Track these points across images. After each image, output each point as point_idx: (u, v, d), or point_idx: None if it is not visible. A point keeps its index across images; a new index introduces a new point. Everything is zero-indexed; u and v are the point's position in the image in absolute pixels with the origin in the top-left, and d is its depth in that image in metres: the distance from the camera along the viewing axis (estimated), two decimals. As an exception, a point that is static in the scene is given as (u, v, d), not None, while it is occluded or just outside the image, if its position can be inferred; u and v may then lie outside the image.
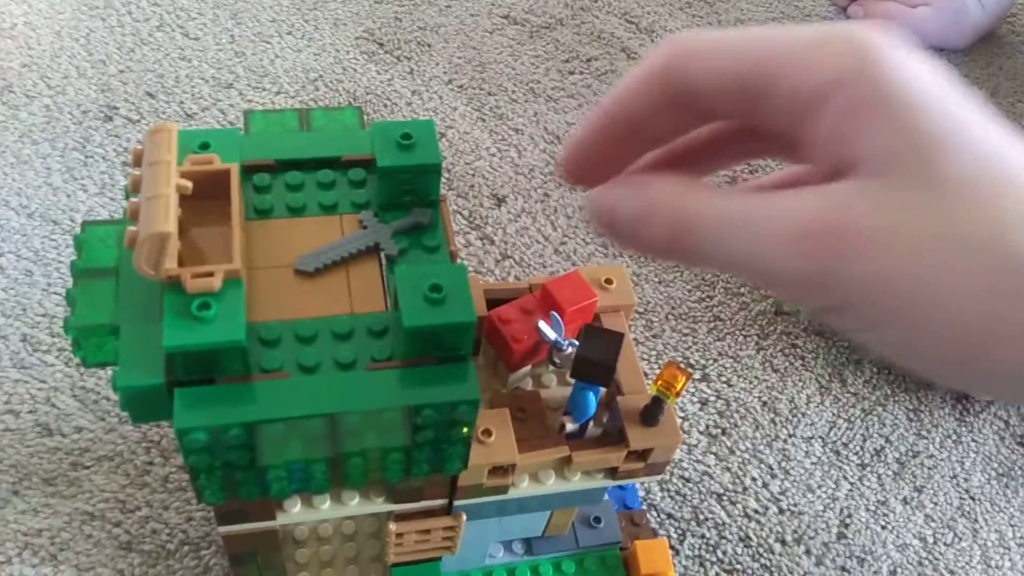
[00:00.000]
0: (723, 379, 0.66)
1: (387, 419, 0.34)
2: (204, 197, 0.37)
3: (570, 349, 0.46)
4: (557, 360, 0.48)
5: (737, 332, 0.69)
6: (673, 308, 0.70)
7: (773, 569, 0.58)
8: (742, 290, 0.72)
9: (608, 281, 0.50)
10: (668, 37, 0.29)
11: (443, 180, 0.74)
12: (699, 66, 0.29)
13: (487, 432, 0.43)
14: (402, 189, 0.40)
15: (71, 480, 0.56)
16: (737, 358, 0.68)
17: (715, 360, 0.67)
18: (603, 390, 0.46)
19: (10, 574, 0.52)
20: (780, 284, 0.28)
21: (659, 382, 0.43)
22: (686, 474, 0.61)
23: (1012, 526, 0.62)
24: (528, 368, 0.49)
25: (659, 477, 0.48)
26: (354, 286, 0.38)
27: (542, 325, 0.46)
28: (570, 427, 0.46)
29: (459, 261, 0.40)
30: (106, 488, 0.56)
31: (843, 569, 0.58)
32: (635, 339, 0.67)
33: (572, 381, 0.45)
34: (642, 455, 0.46)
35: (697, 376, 0.66)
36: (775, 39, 0.28)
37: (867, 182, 0.26)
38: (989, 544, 0.61)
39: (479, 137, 0.79)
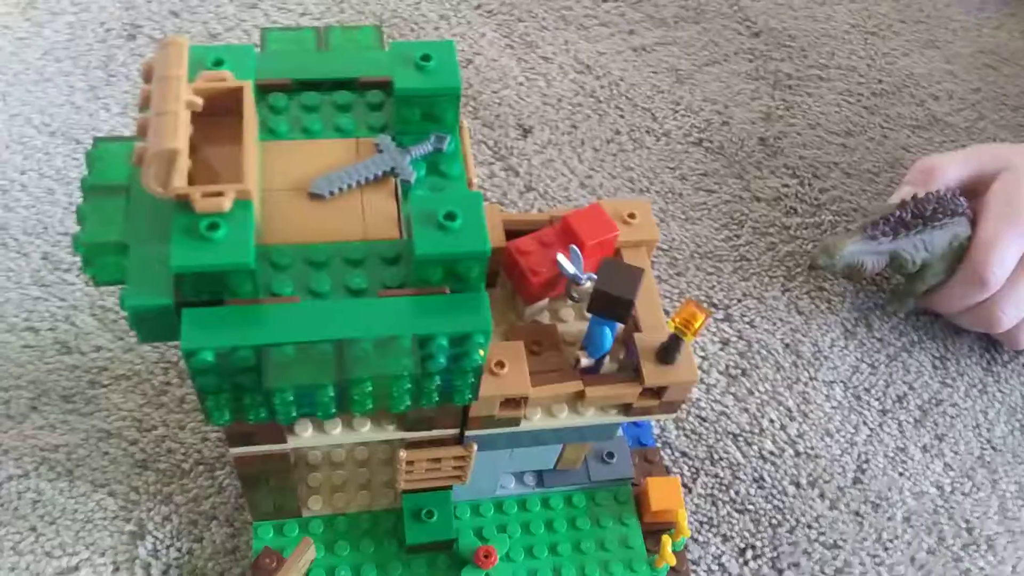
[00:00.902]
0: (746, 320, 0.65)
1: (396, 347, 0.33)
2: (217, 115, 0.36)
3: (588, 283, 0.45)
4: (575, 294, 0.48)
5: (763, 273, 0.68)
6: (699, 246, 0.68)
7: (785, 511, 0.57)
8: (770, 230, 0.70)
9: (631, 216, 0.49)
10: None
11: (469, 109, 0.73)
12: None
13: (500, 364, 0.42)
14: (420, 113, 0.39)
15: (89, 398, 0.56)
16: (762, 299, 0.66)
17: (739, 300, 0.66)
18: (620, 326, 0.45)
19: (27, 487, 0.53)
20: None
21: (677, 319, 0.42)
22: (703, 414, 0.60)
23: (1033, 478, 0.61)
24: (546, 301, 0.48)
25: (674, 415, 0.47)
26: (368, 211, 0.37)
27: (561, 258, 0.45)
28: (585, 362, 0.46)
29: (476, 189, 0.39)
30: (123, 407, 0.56)
31: (856, 514, 0.58)
32: (658, 276, 0.66)
33: (589, 316, 0.45)
34: (657, 392, 0.45)
35: (719, 316, 0.65)
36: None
37: None
38: (1008, 495, 0.60)
39: (507, 65, 0.77)
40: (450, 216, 0.34)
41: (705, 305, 0.65)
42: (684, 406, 0.60)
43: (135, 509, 0.53)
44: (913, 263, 0.60)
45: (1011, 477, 0.61)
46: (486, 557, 0.49)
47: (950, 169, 0.63)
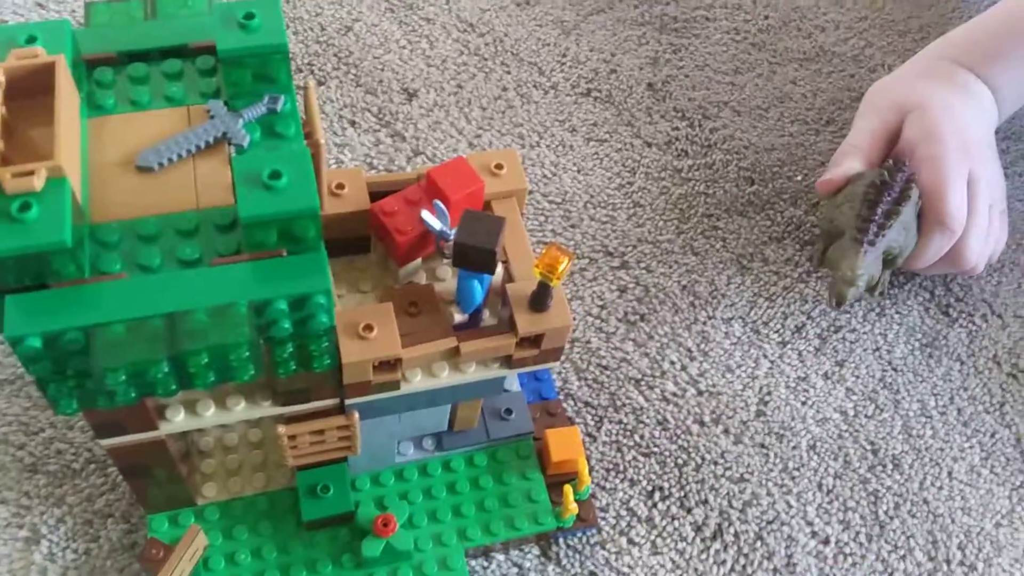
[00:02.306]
0: (642, 265, 0.65)
1: (231, 315, 0.32)
2: (36, 95, 0.35)
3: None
4: (446, 251, 0.47)
5: (657, 217, 0.68)
6: (592, 197, 0.68)
7: (691, 450, 0.57)
8: (663, 175, 0.70)
9: (498, 166, 0.48)
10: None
11: (351, 76, 0.71)
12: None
13: (369, 327, 0.41)
14: (251, 74, 0.38)
15: (-30, 406, 0.54)
16: (657, 243, 0.66)
17: (634, 247, 0.66)
18: (491, 278, 0.45)
19: (-101, 502, 0.51)
20: None
21: (541, 265, 0.42)
22: (604, 362, 0.60)
23: (935, 395, 0.62)
24: (419, 262, 0.48)
25: (556, 363, 0.47)
26: (201, 180, 0.36)
27: (425, 215, 0.44)
28: (459, 317, 0.45)
29: (324, 149, 0.38)
30: (8, 411, 0.55)
31: (761, 446, 0.58)
32: (552, 230, 0.66)
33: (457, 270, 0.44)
34: (534, 341, 0.45)
35: (616, 264, 0.65)
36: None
37: None
38: (911, 414, 0.61)
39: (388, 29, 0.75)
40: (275, 175, 0.33)
41: (601, 253, 0.65)
42: (583, 354, 0.60)
43: (27, 514, 0.51)
44: (900, 248, 0.60)
45: (913, 396, 0.62)
46: (385, 525, 0.48)
47: (861, 142, 0.64)
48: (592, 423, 0.58)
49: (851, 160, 0.63)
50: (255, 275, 0.33)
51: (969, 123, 0.63)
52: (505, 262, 0.46)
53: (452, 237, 0.44)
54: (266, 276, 0.33)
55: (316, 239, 0.34)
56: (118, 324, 0.32)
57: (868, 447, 0.59)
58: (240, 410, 0.42)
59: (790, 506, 0.56)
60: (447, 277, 0.48)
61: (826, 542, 0.55)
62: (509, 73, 0.74)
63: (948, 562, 0.55)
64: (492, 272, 0.43)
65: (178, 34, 0.39)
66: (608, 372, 0.60)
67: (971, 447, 0.60)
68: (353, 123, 0.69)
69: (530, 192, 0.67)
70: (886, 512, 0.57)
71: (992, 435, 0.61)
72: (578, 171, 0.69)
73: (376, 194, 0.46)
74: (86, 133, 0.37)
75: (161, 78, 0.39)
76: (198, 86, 0.39)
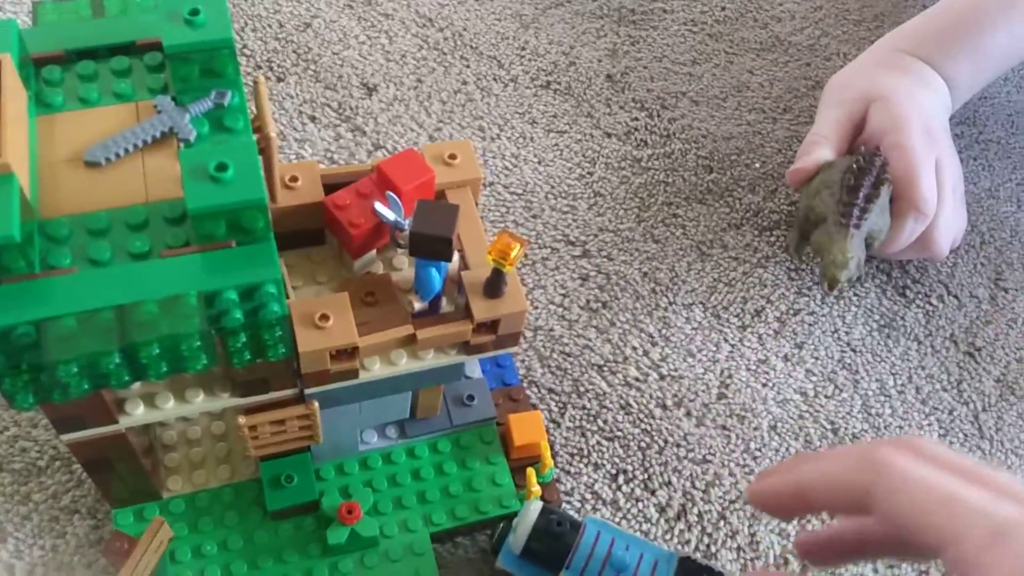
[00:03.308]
0: (604, 253, 0.66)
1: (181, 306, 0.33)
2: (-16, 94, 0.35)
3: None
4: (401, 241, 0.47)
5: (617, 206, 0.68)
6: (553, 187, 0.69)
7: (653, 433, 0.58)
8: (623, 165, 0.71)
9: (452, 156, 0.49)
10: (877, 461, 0.33)
11: (310, 72, 0.72)
12: (897, 503, 0.32)
13: (325, 317, 0.42)
14: (198, 69, 0.38)
15: (-67, 408, 0.55)
16: (617, 232, 0.67)
17: (595, 235, 0.67)
18: (449, 266, 0.46)
19: None
20: None
21: (494, 252, 0.42)
22: (567, 349, 0.61)
23: (893, 375, 0.63)
24: (374, 253, 0.48)
25: (515, 348, 0.48)
26: (149, 174, 0.37)
27: (379, 206, 0.45)
28: (418, 306, 0.46)
29: (276, 142, 0.39)
30: (-28, 413, 0.55)
31: (723, 428, 0.59)
32: (514, 221, 0.67)
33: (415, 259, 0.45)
34: (491, 327, 0.45)
35: (577, 252, 0.66)
36: (970, 499, 0.31)
37: None
38: (870, 393, 0.62)
39: (347, 25, 0.76)
40: (222, 167, 0.33)
41: (563, 243, 0.66)
42: (546, 342, 0.61)
43: (-8, 514, 0.52)
44: (879, 232, 0.61)
45: (872, 376, 0.63)
46: (349, 513, 0.49)
47: (829, 132, 0.64)
48: (556, 409, 0.59)
49: (820, 149, 0.64)
50: (204, 266, 0.34)
51: (931, 111, 0.64)
52: (461, 250, 0.47)
53: (406, 227, 0.45)
54: (215, 267, 0.34)
55: (264, 230, 0.35)
56: (69, 317, 0.32)
57: (828, 426, 0.61)
58: (199, 402, 0.43)
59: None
60: (404, 267, 0.49)
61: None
62: (468, 67, 0.75)
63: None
64: (448, 259, 0.44)
65: (125, 31, 0.39)
66: (571, 359, 0.61)
67: (929, 424, 0.62)
68: (313, 118, 0.69)
69: (491, 184, 0.68)
70: (845, 489, 0.58)
71: (950, 412, 0.62)
72: (539, 162, 0.70)
73: (331, 187, 0.47)
74: (35, 130, 0.37)
75: (110, 75, 0.39)
76: (146, 82, 0.39)
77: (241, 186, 0.33)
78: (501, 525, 0.50)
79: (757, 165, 0.72)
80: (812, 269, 0.67)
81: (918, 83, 0.66)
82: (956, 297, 0.67)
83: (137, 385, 0.42)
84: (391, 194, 0.45)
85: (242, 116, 0.38)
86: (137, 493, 0.49)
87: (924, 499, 0.31)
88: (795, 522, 0.56)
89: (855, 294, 0.67)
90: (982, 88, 0.72)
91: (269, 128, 0.40)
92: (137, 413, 0.42)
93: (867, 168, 0.60)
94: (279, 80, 0.71)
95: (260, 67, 0.72)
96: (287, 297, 0.40)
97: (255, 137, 0.39)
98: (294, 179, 0.46)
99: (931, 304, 0.67)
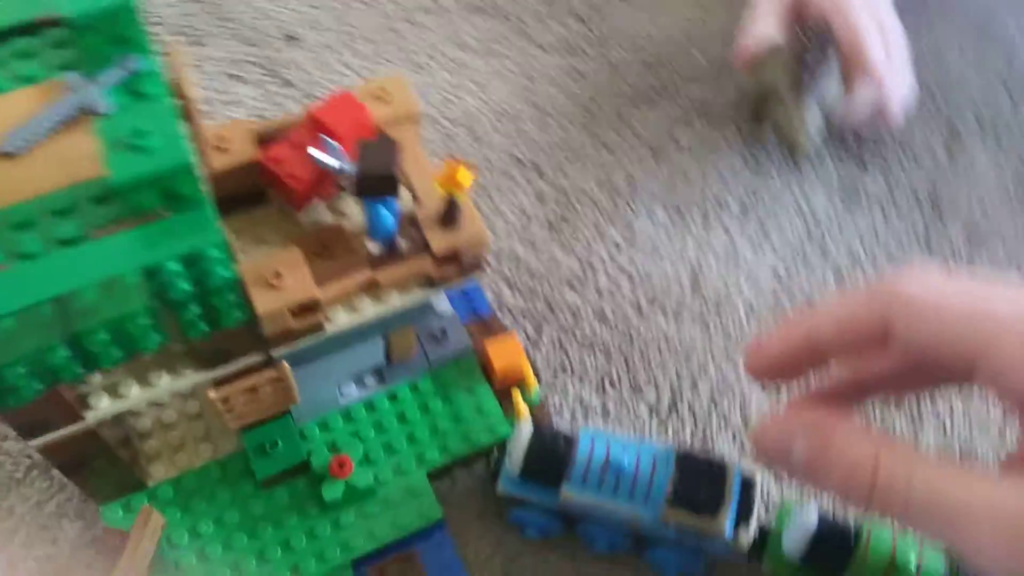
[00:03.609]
0: (557, 169, 0.65)
1: (122, 286, 0.31)
2: None
3: (353, 171, 0.43)
4: (344, 184, 0.46)
5: (564, 120, 0.67)
6: (496, 111, 0.67)
7: (633, 336, 0.58)
8: (564, 78, 0.69)
9: (385, 93, 0.47)
10: (888, 288, 0.31)
11: (228, 29, 0.69)
12: (920, 328, 0.29)
13: (278, 274, 0.41)
14: (104, 38, 0.36)
15: (-100, 435, 0.53)
16: (567, 146, 0.66)
17: (546, 153, 0.65)
18: (399, 204, 0.44)
19: None
20: (984, 572, 0.28)
21: (443, 180, 0.41)
22: (533, 269, 0.60)
23: (861, 242, 0.63)
24: (321, 204, 0.47)
25: (479, 275, 0.47)
26: (68, 155, 0.35)
27: (316, 153, 0.43)
28: (375, 249, 0.45)
29: (197, 106, 0.37)
30: (-59, 433, 0.53)
31: (701, 320, 0.59)
32: (462, 151, 0.65)
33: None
34: (452, 258, 0.44)
35: (531, 173, 0.64)
36: (996, 305, 0.28)
37: None
38: (841, 264, 0.62)
39: (257, -23, 0.73)
40: (141, 135, 0.32)
41: (514, 166, 0.65)
42: (511, 266, 0.60)
43: (-20, 531, 0.51)
44: (835, 100, 0.61)
45: (841, 246, 0.63)
46: (341, 467, 0.48)
47: (767, 9, 0.63)
48: (532, 330, 0.58)
49: (761, 23, 0.62)
50: (140, 241, 0.32)
51: None
52: (410, 187, 0.45)
53: (348, 170, 0.43)
54: (151, 240, 0.32)
55: (197, 194, 0.33)
56: (6, 318, 0.31)
57: (804, 301, 0.60)
58: (164, 383, 0.42)
59: (738, 371, 0.57)
60: (354, 213, 0.47)
61: (778, 394, 0.56)
62: (394, 1, 0.72)
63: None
64: (395, 195, 0.42)
65: (23, 11, 0.37)
66: (539, 279, 0.60)
67: (902, 285, 0.62)
68: (238, 77, 0.67)
69: (433, 119, 0.66)
70: (829, 361, 0.58)
71: (921, 269, 0.62)
72: (478, 88, 0.68)
73: (263, 142, 0.45)
74: (-61, 129, 0.35)
75: (12, 58, 0.37)
76: (52, 61, 0.37)
77: (165, 152, 0.32)
78: (496, 452, 0.50)
79: (699, 58, 0.71)
80: (769, 152, 0.66)
81: None
82: (914, 157, 0.67)
83: (98, 377, 0.41)
84: (326, 138, 0.43)
85: (157, 80, 0.36)
86: (121, 486, 0.48)
87: (948, 316, 0.29)
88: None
89: (812, 168, 0.66)
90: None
91: (189, 90, 0.38)
92: (102, 406, 0.41)
93: (812, 37, 0.60)
94: (199, 44, 0.69)
95: (176, 34, 0.69)
96: (234, 262, 0.39)
97: (176, 102, 0.37)
98: (224, 140, 0.44)
99: (889, 168, 0.66)
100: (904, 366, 0.34)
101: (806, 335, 0.33)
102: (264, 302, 0.40)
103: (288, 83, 0.67)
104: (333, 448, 0.50)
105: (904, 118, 0.67)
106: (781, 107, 0.60)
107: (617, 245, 0.62)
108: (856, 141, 0.67)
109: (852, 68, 0.61)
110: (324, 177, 0.45)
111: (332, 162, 0.43)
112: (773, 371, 0.34)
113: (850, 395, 0.36)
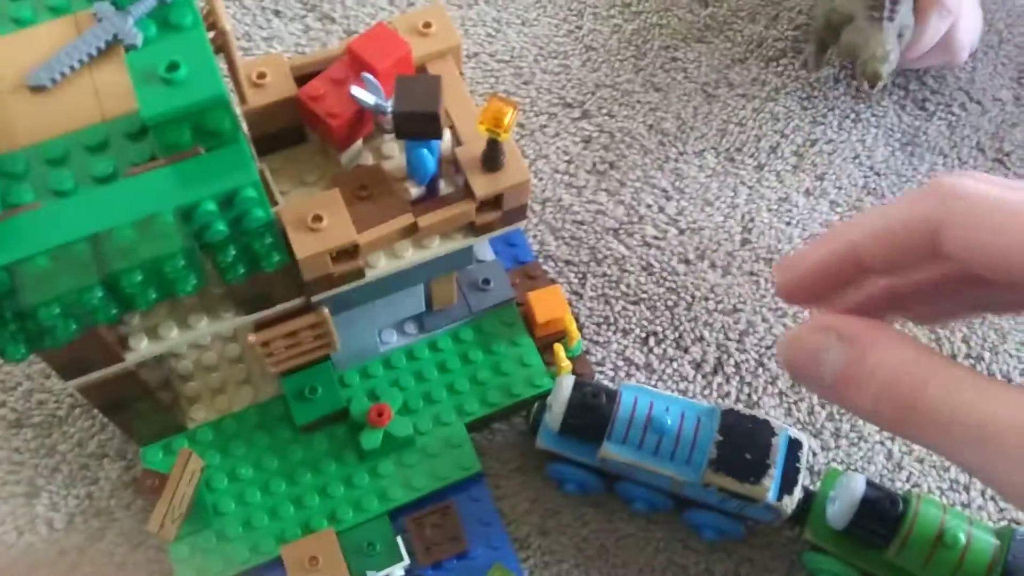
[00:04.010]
0: (604, 111, 0.62)
1: (158, 226, 0.30)
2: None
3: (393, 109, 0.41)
4: (385, 125, 0.44)
5: (612, 58, 0.64)
6: (541, 48, 0.65)
7: (679, 290, 0.56)
8: (612, 12, 0.66)
9: (426, 25, 0.45)
10: (938, 187, 0.26)
11: (264, -35, 0.67)
12: (972, 238, 0.25)
13: (318, 218, 0.39)
14: (134, -34, 0.35)
15: (-59, 371, 0.53)
16: (616, 86, 0.63)
17: (593, 93, 0.63)
18: (439, 143, 0.42)
19: None
20: (1012, 497, 0.25)
21: (485, 122, 0.39)
22: (578, 217, 0.58)
23: (921, 192, 0.60)
24: (360, 143, 0.45)
25: (524, 223, 0.45)
26: (101, 89, 0.33)
27: (355, 91, 0.41)
28: (415, 191, 0.43)
29: (230, 36, 0.35)
30: (-19, 371, 0.53)
31: (751, 274, 0.57)
32: (505, 90, 0.63)
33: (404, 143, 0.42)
34: (495, 203, 0.43)
35: (576, 114, 0.62)
36: None
37: None
38: (899, 215, 0.60)
39: (296, -92, 0.70)
40: (173, 67, 0.30)
41: (560, 106, 0.62)
42: (555, 213, 0.58)
43: (21, 469, 0.51)
44: (907, 29, 0.58)
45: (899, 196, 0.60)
46: (380, 415, 0.47)
47: None
48: (576, 280, 0.56)
49: None
50: (175, 179, 0.31)
51: None
52: (451, 126, 0.44)
53: (389, 109, 0.41)
54: (187, 178, 0.31)
55: (233, 130, 0.32)
56: (41, 256, 0.30)
57: (859, 257, 0.58)
58: (204, 326, 0.41)
59: (787, 328, 0.55)
60: (395, 153, 0.46)
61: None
62: (433, -68, 0.69)
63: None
64: (438, 136, 0.41)
65: (47, -63, 0.35)
66: (584, 227, 0.58)
67: (963, 239, 0.59)
68: (277, 12, 0.65)
69: (475, 54, 0.64)
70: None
71: (983, 223, 0.59)
72: (522, 24, 0.66)
73: (303, 79, 0.43)
74: (-31, 61, 0.34)
75: (39, -12, 0.35)
76: (80, -10, 0.35)
77: (198, 85, 0.30)
78: (536, 405, 0.49)
79: (754, -8, 0.67)
80: (826, 95, 0.63)
81: None
82: (979, 103, 0.64)
83: (137, 319, 0.40)
84: (368, 76, 0.41)
85: (189, 10, 0.34)
86: (161, 428, 0.48)
87: (1008, 219, 0.24)
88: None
89: (872, 115, 0.63)
90: None
91: (223, 21, 0.37)
92: (142, 347, 0.40)
93: None
94: (234, -23, 0.67)
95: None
96: (274, 204, 0.38)
97: (210, 35, 0.35)
98: (262, 76, 0.42)
99: (953, 114, 0.63)
100: (952, 279, 0.29)
101: (847, 243, 0.28)
102: (304, 246, 0.38)
103: (327, 18, 0.65)
104: (372, 396, 0.50)
105: (971, 57, 0.64)
106: (859, 34, 0.57)
107: (666, 193, 0.59)
108: (919, 85, 0.64)
109: (932, 3, 0.58)
110: (365, 116, 0.43)
111: (373, 101, 0.41)
112: (807, 290, 0.30)
113: (883, 310, 0.31)
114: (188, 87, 0.30)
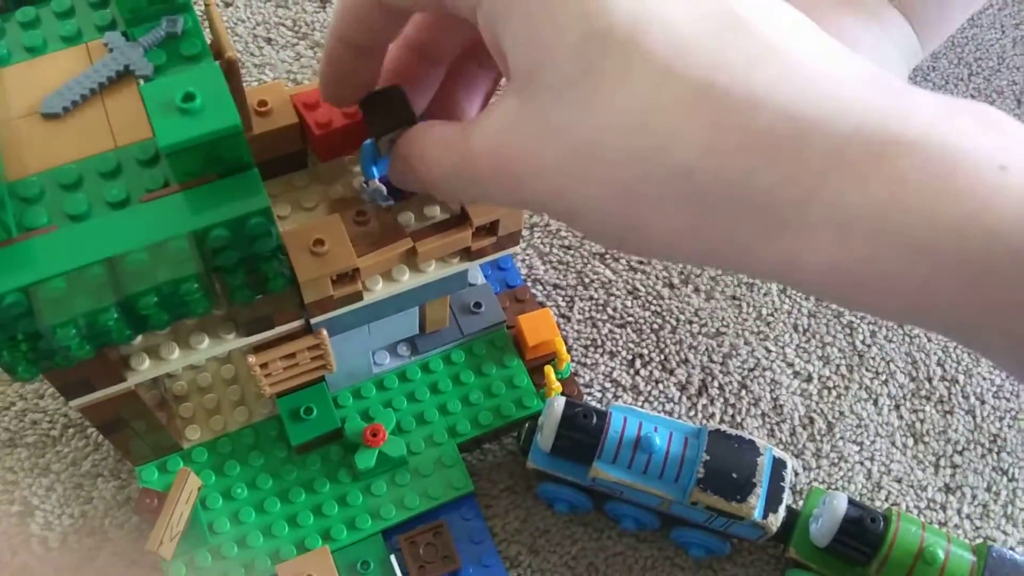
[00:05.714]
0: (590, 139, 0.64)
1: (172, 250, 0.31)
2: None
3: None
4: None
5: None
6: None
7: (664, 313, 0.58)
8: None
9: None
10: None
11: (258, -6, 0.68)
12: None
13: (319, 242, 0.40)
14: (144, -2, 0.36)
15: (-66, 392, 0.53)
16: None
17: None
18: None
19: None
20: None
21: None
22: (566, 242, 0.60)
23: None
24: (346, 159, 0.46)
25: (516, 248, 0.46)
26: (114, 118, 0.34)
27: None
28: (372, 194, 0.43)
29: (239, 65, 0.37)
30: (-25, 392, 0.54)
31: (733, 298, 0.59)
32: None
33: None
34: (490, 229, 0.44)
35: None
36: None
37: (523, 94, 0.25)
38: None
39: (289, -62, 0.72)
40: (189, 98, 0.31)
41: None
42: (543, 238, 0.60)
43: (15, 489, 0.51)
44: None
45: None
46: (374, 435, 0.48)
47: None
48: (564, 304, 0.58)
49: None
50: (188, 205, 0.32)
51: None
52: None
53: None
54: (200, 204, 0.32)
55: (245, 158, 0.33)
56: (57, 278, 0.31)
57: (837, 282, 0.60)
58: (205, 347, 0.42)
59: (769, 351, 0.57)
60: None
61: (809, 379, 0.56)
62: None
63: (930, 379, 0.57)
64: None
65: (60, -32, 0.37)
66: (572, 251, 0.60)
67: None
68: (269, 40, 0.66)
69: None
70: (863, 341, 0.58)
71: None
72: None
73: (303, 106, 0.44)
74: (-16, 88, 0.35)
75: (53, 19, 0.37)
76: (92, 20, 0.36)
77: (213, 114, 0.31)
78: (527, 426, 0.50)
79: None
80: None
81: None
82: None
83: (139, 339, 0.41)
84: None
85: (199, 40, 0.35)
86: (157, 448, 0.48)
87: None
88: (811, 359, 0.56)
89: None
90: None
91: (229, 51, 0.38)
92: (144, 368, 0.41)
93: None
94: (227, 5, 0.68)
95: (205, -6, 0.68)
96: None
97: (216, 63, 0.37)
98: (263, 103, 0.43)
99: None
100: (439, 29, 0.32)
101: (338, 39, 0.31)
102: (306, 269, 0.39)
103: (319, 45, 0.66)
104: (366, 417, 0.51)
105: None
106: None
107: (650, 218, 0.61)
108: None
109: None
110: (353, 133, 0.44)
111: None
112: (341, 90, 0.33)
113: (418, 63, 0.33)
114: (204, 117, 0.31)
